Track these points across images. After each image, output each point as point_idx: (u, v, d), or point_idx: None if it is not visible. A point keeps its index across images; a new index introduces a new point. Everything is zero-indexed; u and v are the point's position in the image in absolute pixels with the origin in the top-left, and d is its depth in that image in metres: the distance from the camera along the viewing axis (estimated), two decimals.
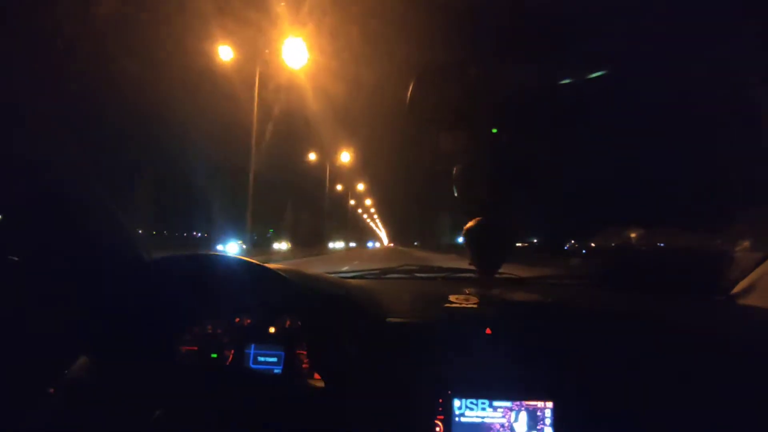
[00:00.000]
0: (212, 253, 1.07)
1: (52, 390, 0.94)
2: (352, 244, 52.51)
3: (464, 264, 1.47)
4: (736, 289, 1.22)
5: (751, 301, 1.18)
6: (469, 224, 1.12)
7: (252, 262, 1.07)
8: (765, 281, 1.15)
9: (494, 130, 1.07)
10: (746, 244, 1.15)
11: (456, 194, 1.15)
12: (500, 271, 1.21)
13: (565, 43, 1.09)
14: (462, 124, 1.09)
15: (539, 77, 1.10)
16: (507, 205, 1.12)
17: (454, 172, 1.14)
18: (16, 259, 0.93)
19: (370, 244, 65.53)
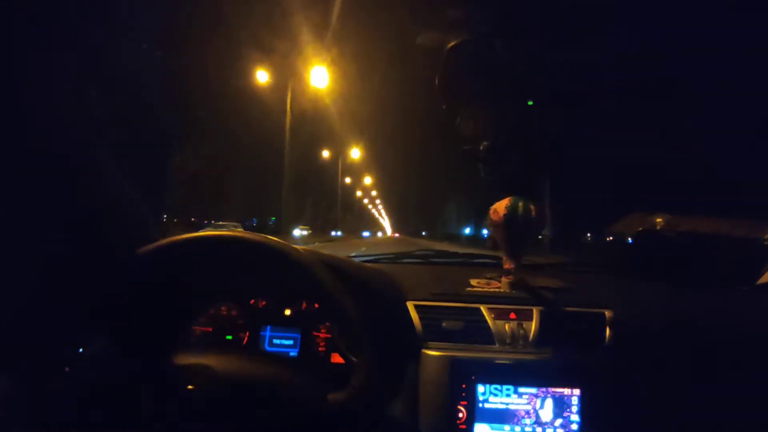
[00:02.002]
0: (227, 232, 1.10)
1: (67, 369, 0.98)
2: (335, 234, 41.13)
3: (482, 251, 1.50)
4: (763, 278, 1.25)
5: None
6: (495, 206, 1.15)
7: (269, 241, 1.10)
8: None
9: (530, 102, 1.08)
10: None
11: (482, 174, 1.18)
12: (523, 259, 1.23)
13: (598, 19, 1.10)
14: (493, 99, 1.11)
15: (572, 53, 1.11)
16: (536, 186, 1.14)
17: (480, 149, 1.16)
18: (29, 240, 0.96)
19: (366, 234, 55.45)
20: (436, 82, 1.11)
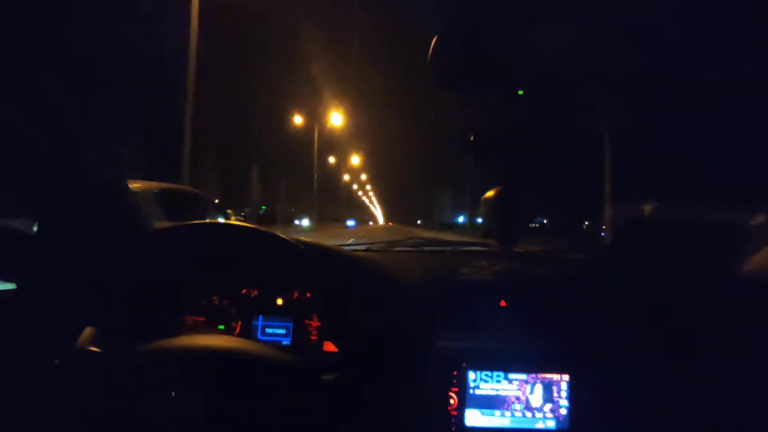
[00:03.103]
0: (218, 222, 1.14)
1: (57, 361, 1.02)
2: (301, 222, 30.26)
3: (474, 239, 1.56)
4: (748, 264, 1.32)
5: (763, 276, 1.28)
6: (488, 194, 1.20)
7: (260, 231, 1.14)
8: None
9: (520, 92, 1.13)
10: (760, 218, 1.23)
11: (472, 162, 1.22)
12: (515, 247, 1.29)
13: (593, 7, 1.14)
14: (485, 86, 1.15)
15: (565, 40, 1.16)
16: (527, 174, 1.19)
17: (471, 139, 1.21)
18: (20, 230, 0.99)
19: (350, 223, 46.25)
20: (427, 67, 1.15)
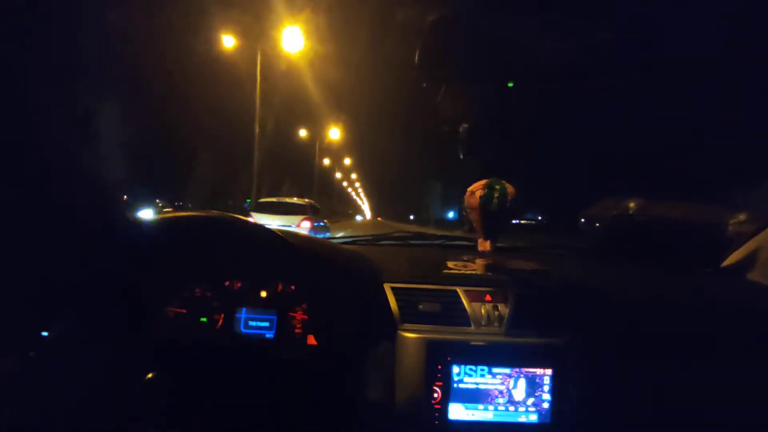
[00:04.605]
0: (201, 213, 1.17)
1: (32, 354, 1.04)
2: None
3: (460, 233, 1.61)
4: (726, 261, 1.40)
5: (740, 273, 1.36)
6: (471, 188, 1.24)
7: (244, 222, 1.18)
8: (754, 254, 1.33)
9: (510, 84, 1.17)
10: (741, 217, 1.31)
11: (461, 156, 1.27)
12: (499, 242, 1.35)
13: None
14: (475, 79, 1.19)
15: (553, 33, 1.21)
16: (515, 168, 1.24)
17: (460, 131, 1.26)
18: None
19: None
20: (416, 59, 1.19)
